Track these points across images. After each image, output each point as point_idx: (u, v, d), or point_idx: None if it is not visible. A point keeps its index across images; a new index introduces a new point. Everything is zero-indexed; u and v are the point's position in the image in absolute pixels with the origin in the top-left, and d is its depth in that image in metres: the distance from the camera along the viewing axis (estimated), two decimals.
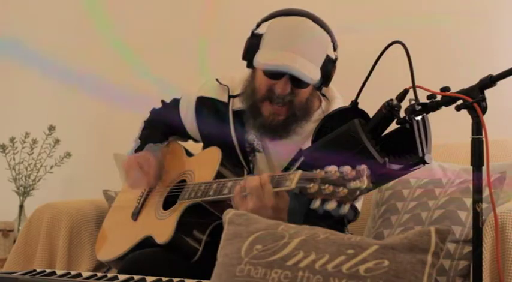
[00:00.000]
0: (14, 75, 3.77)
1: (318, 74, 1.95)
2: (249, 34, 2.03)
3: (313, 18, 1.97)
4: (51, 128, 3.46)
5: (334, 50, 2.01)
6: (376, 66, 1.70)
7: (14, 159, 3.45)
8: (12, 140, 3.44)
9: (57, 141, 3.46)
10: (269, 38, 1.97)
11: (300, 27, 1.95)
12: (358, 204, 2.03)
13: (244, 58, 2.03)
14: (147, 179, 2.15)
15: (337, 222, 1.94)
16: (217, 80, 2.17)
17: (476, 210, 1.43)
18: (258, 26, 2.02)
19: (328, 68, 1.98)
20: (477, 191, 1.43)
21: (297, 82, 1.94)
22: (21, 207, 3.44)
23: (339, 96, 2.10)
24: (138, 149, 2.26)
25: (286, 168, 2.00)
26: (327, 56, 1.98)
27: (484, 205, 1.48)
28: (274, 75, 1.95)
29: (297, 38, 1.93)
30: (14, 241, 2.99)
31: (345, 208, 1.58)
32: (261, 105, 2.00)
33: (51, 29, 3.69)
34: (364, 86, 1.73)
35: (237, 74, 2.14)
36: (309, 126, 2.02)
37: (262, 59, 1.95)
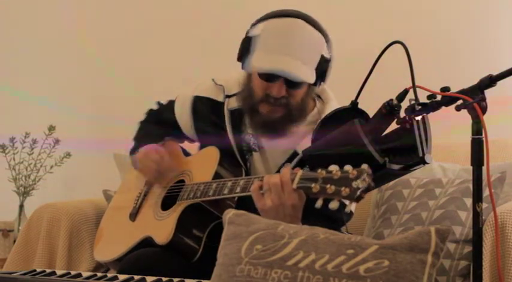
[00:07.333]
0: (14, 75, 3.77)
1: (312, 75, 1.95)
2: (243, 35, 2.03)
3: (307, 19, 1.97)
4: (51, 128, 3.45)
5: (329, 49, 2.01)
6: (376, 66, 1.69)
7: (14, 159, 3.45)
8: (12, 140, 3.43)
9: (57, 141, 3.45)
10: (263, 41, 1.96)
11: (293, 29, 1.95)
12: (352, 206, 2.02)
13: (239, 60, 2.03)
14: (159, 167, 2.13)
15: (335, 222, 1.94)
16: (213, 80, 2.19)
17: (476, 210, 1.42)
18: (252, 27, 2.02)
19: (324, 67, 1.98)
20: (477, 191, 1.43)
21: (291, 84, 1.95)
22: (21, 207, 3.44)
23: (334, 99, 2.10)
24: (133, 150, 2.26)
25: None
26: (322, 55, 1.97)
27: (484, 205, 1.48)
28: (269, 78, 1.95)
29: (290, 41, 1.93)
30: (14, 241, 2.99)
31: (348, 208, 1.58)
32: (259, 106, 2.01)
33: (51, 28, 3.69)
34: (364, 86, 1.73)
35: (233, 74, 2.14)
36: (304, 128, 2.03)
37: (256, 62, 1.96)
